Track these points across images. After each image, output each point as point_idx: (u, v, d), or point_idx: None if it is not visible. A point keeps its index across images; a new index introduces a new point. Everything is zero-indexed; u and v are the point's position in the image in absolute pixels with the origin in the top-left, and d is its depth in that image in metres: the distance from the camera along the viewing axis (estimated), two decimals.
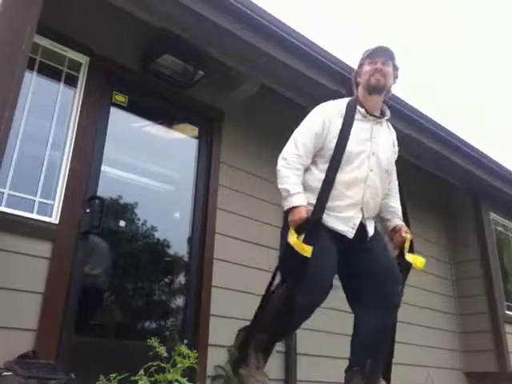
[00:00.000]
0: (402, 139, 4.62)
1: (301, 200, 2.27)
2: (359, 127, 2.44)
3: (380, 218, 2.72)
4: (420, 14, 30.42)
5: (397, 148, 2.68)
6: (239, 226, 3.81)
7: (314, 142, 2.39)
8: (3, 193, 2.80)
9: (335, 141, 2.37)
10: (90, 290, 3.14)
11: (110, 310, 3.29)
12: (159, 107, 3.81)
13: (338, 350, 3.91)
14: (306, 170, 2.41)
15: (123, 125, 3.59)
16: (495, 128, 30.15)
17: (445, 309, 5.51)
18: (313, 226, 2.22)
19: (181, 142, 3.97)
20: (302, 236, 2.18)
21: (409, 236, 2.58)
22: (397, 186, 2.74)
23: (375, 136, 2.47)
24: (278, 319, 2.27)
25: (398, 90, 4.48)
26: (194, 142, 3.94)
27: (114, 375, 1.93)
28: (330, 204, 2.31)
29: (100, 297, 3.25)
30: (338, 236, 2.32)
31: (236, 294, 3.61)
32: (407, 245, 2.52)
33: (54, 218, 2.94)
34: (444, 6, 28.93)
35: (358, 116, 2.47)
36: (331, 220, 2.32)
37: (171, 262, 3.65)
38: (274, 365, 3.62)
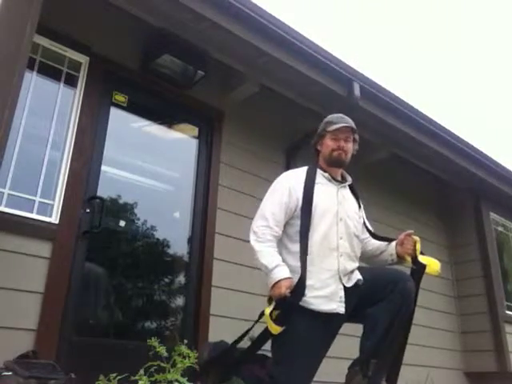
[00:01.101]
0: (403, 140, 4.69)
1: (282, 273, 2.22)
2: (324, 190, 2.46)
3: (377, 256, 2.71)
4: (420, 14, 30.42)
5: (363, 213, 2.66)
6: (239, 226, 3.80)
7: (284, 210, 2.37)
8: (3, 193, 2.80)
9: (300, 206, 2.37)
10: (90, 290, 3.14)
11: (110, 310, 3.29)
12: (159, 107, 3.81)
13: (338, 350, 3.91)
14: (283, 247, 2.37)
15: (123, 125, 3.59)
16: (495, 128, 30.15)
17: (445, 309, 5.51)
18: (288, 307, 2.19)
19: (181, 141, 3.97)
20: (276, 313, 2.18)
21: (417, 238, 2.58)
22: (371, 230, 2.73)
23: (341, 202, 2.48)
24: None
25: (398, 89, 4.49)
26: (194, 142, 3.94)
27: (114, 375, 1.93)
28: (308, 283, 2.25)
29: (100, 296, 3.25)
30: (328, 314, 2.29)
31: (236, 294, 3.61)
32: (418, 246, 2.51)
33: (54, 218, 2.94)
34: (444, 5, 28.92)
35: (321, 180, 2.50)
36: (315, 302, 2.26)
37: (171, 261, 3.65)
38: None
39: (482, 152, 5.28)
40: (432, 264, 2.50)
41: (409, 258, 2.53)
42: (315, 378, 2.36)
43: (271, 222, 2.34)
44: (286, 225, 2.40)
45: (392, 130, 4.52)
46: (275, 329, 2.19)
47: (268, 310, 2.20)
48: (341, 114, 2.61)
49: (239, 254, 3.73)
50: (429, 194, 5.99)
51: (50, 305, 2.76)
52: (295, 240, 2.35)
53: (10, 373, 2.13)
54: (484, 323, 5.37)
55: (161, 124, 3.86)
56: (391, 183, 5.37)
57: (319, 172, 2.52)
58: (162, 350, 2.00)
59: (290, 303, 2.18)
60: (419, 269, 2.48)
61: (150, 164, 3.68)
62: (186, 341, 2.11)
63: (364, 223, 2.66)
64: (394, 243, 2.61)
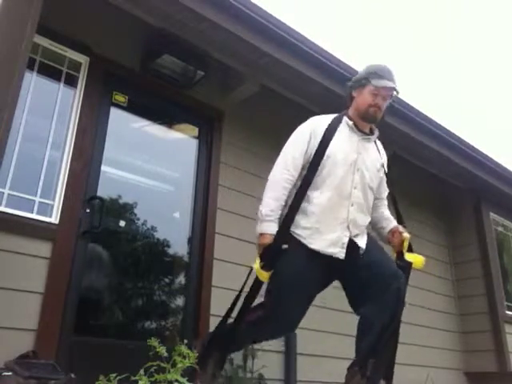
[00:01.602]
0: (403, 140, 4.68)
1: (268, 228, 2.28)
2: (344, 138, 2.41)
3: (375, 229, 2.70)
4: (420, 14, 30.43)
5: (384, 172, 2.62)
6: (239, 226, 3.80)
7: (303, 155, 2.37)
8: (3, 193, 2.80)
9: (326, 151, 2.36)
10: (90, 290, 3.14)
11: (110, 310, 3.29)
12: (159, 107, 3.81)
13: (338, 350, 3.91)
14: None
15: (123, 125, 3.59)
16: (495, 128, 30.16)
17: (445, 309, 5.51)
18: (271, 253, 2.26)
19: (181, 141, 3.97)
20: (261, 262, 2.27)
21: (407, 235, 2.55)
22: (386, 198, 2.70)
23: (361, 152, 2.43)
24: (250, 334, 2.38)
25: (397, 88, 4.47)
26: (194, 142, 3.94)
27: (114, 375, 1.93)
28: (314, 225, 2.30)
29: (100, 297, 3.25)
30: (327, 257, 2.30)
31: (236, 294, 3.61)
32: (406, 244, 2.51)
33: (54, 218, 2.94)
34: (444, 5, 28.94)
35: (344, 128, 2.45)
36: (317, 243, 2.29)
37: (171, 262, 3.65)
38: (274, 365, 3.62)
39: (482, 152, 5.29)
40: (417, 262, 2.52)
41: (393, 254, 2.54)
42: (315, 378, 2.36)
43: (292, 166, 2.34)
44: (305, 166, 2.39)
45: (392, 130, 4.52)
46: (264, 276, 2.26)
47: (257, 265, 2.27)
48: (387, 67, 2.48)
49: (239, 253, 3.73)
50: (429, 194, 5.99)
51: (50, 305, 2.76)
52: (314, 187, 2.34)
53: (10, 373, 2.13)
54: (484, 323, 5.37)
55: (161, 124, 3.86)
56: (391, 183, 5.35)
57: (345, 120, 2.46)
58: (162, 350, 1.99)
59: (274, 249, 2.25)
60: (405, 266, 2.49)
61: (150, 164, 3.68)
62: (185, 341, 2.11)
63: (381, 184, 2.62)
64: (390, 227, 2.62)
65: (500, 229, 6.23)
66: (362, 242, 2.40)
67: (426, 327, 5.14)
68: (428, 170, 5.38)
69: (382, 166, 2.58)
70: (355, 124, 2.47)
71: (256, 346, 3.38)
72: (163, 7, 3.15)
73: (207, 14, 3.18)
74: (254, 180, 4.01)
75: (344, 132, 2.43)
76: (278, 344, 3.69)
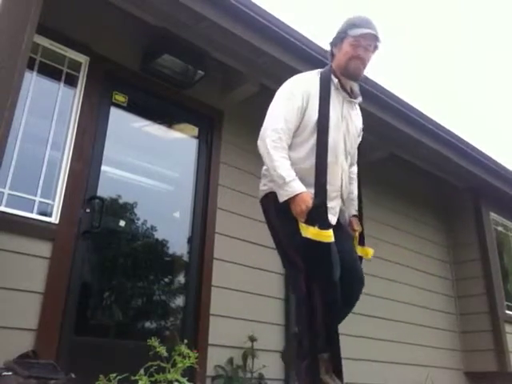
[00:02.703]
0: (403, 140, 4.69)
1: (300, 186, 2.07)
2: (333, 100, 2.28)
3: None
4: (420, 14, 30.43)
5: (361, 134, 2.49)
6: (239, 225, 3.81)
7: (296, 117, 2.21)
8: (3, 193, 2.80)
9: (317, 112, 2.20)
10: (90, 290, 3.14)
11: (110, 310, 3.29)
12: (159, 107, 3.81)
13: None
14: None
15: (123, 125, 3.59)
16: (495, 128, 30.16)
17: (445, 309, 5.51)
18: (322, 209, 2.08)
19: (181, 141, 3.97)
20: (316, 224, 2.02)
21: (359, 229, 2.44)
22: (356, 171, 2.57)
23: (346, 116, 2.32)
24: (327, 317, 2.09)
25: (398, 89, 4.49)
26: (194, 142, 3.94)
27: (114, 375, 1.93)
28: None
29: (100, 296, 3.25)
30: None
31: (236, 294, 3.62)
32: (356, 242, 2.42)
33: (54, 218, 2.94)
34: (443, 4, 28.93)
35: (332, 87, 2.30)
36: None
37: (171, 261, 3.65)
38: (274, 365, 3.62)
39: (482, 152, 5.29)
40: (366, 255, 2.41)
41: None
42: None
43: (286, 126, 2.17)
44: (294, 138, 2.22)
45: (392, 130, 4.52)
46: (329, 235, 2.03)
47: (309, 229, 2.02)
48: (366, 17, 2.36)
49: (239, 253, 3.74)
50: (429, 194, 5.99)
51: (50, 305, 2.76)
52: (303, 148, 2.20)
53: (9, 373, 2.13)
54: (484, 323, 5.37)
55: (161, 124, 3.86)
56: (391, 183, 5.37)
57: (331, 78, 2.32)
58: (162, 350, 2.00)
59: (320, 204, 2.06)
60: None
61: (150, 164, 3.68)
62: (186, 341, 2.11)
63: (356, 150, 2.49)
64: (349, 214, 2.46)
65: (500, 228, 6.23)
66: (342, 217, 2.35)
67: (426, 327, 5.14)
68: (428, 169, 5.38)
69: (361, 131, 2.49)
70: (340, 81, 2.34)
71: (256, 346, 3.39)
72: (163, 7, 3.15)
73: (207, 13, 3.18)
74: (254, 180, 4.00)
75: (332, 92, 2.30)
76: (278, 344, 3.69)
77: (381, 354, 4.49)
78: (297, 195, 2.05)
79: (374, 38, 2.32)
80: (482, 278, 5.53)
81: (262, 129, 2.24)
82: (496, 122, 30.28)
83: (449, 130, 4.90)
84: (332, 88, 2.30)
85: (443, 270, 5.73)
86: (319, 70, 2.41)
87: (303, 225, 2.05)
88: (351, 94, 2.41)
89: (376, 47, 2.38)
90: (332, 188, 2.21)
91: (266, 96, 4.16)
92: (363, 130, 2.54)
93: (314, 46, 3.74)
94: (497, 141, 25.59)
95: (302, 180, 2.12)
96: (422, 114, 4.63)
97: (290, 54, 3.63)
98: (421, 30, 34.56)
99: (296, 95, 2.26)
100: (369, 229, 4.87)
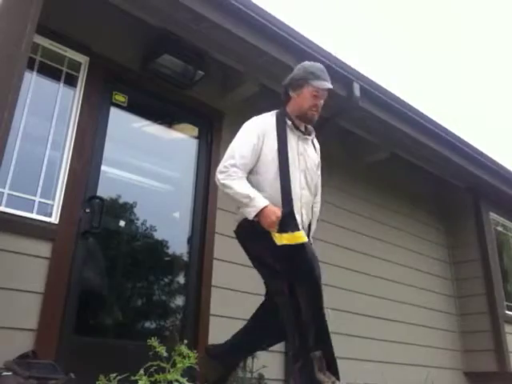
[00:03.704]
0: (403, 140, 4.69)
1: (265, 200, 2.22)
2: (289, 139, 2.42)
3: None
4: (420, 14, 30.43)
5: (319, 167, 2.64)
6: None
7: (252, 153, 2.34)
8: (3, 193, 2.80)
9: (275, 151, 2.35)
10: (90, 290, 3.14)
11: (110, 310, 3.29)
12: (159, 107, 3.81)
13: (337, 350, 3.91)
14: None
15: (123, 125, 3.59)
16: (495, 128, 30.16)
17: (445, 309, 5.51)
18: (291, 216, 2.24)
19: (181, 141, 3.97)
20: (288, 230, 2.18)
21: None
22: (319, 200, 2.71)
23: (302, 153, 2.45)
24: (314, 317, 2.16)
25: (398, 89, 4.49)
26: (194, 142, 3.94)
27: (114, 375, 1.93)
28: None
29: (100, 297, 3.25)
30: None
31: (236, 294, 3.61)
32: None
33: (54, 218, 2.94)
34: (444, 5, 28.93)
35: (286, 128, 2.45)
36: None
37: (171, 261, 3.65)
38: (274, 365, 3.62)
39: (481, 152, 5.29)
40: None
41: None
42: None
43: (240, 162, 2.29)
44: (253, 173, 2.35)
45: (392, 130, 4.52)
46: (301, 236, 2.19)
47: (282, 236, 2.18)
48: (322, 66, 2.54)
49: (239, 253, 3.73)
50: (429, 194, 5.99)
51: (49, 305, 2.76)
52: (263, 178, 2.33)
53: (9, 373, 2.14)
54: (484, 323, 5.37)
55: (161, 124, 3.86)
56: (391, 183, 5.37)
57: (286, 120, 2.46)
58: (162, 350, 2.00)
59: (288, 211, 2.23)
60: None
61: (150, 164, 3.68)
62: (186, 341, 2.11)
63: (317, 183, 2.64)
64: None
65: (500, 228, 6.23)
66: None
67: (426, 327, 5.15)
68: (428, 169, 5.38)
69: (319, 164, 2.62)
70: (293, 123, 2.48)
71: None
72: (163, 7, 3.15)
73: (207, 14, 3.18)
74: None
75: (288, 133, 2.44)
76: (278, 344, 3.69)
77: (381, 354, 4.49)
78: (265, 208, 2.20)
79: (328, 87, 2.49)
80: (482, 278, 5.53)
81: (220, 164, 2.37)
82: (496, 122, 30.29)
83: (449, 131, 4.90)
84: (287, 129, 2.44)
85: (443, 270, 5.73)
86: (274, 111, 2.53)
87: (276, 234, 2.19)
88: (305, 132, 2.53)
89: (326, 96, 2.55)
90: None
91: (266, 96, 4.19)
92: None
93: (314, 46, 3.74)
94: (497, 141, 25.59)
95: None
96: (423, 114, 4.64)
97: (290, 54, 3.63)
98: (421, 30, 34.56)
99: (253, 134, 2.40)
100: (368, 228, 4.92)
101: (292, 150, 2.40)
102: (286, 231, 2.18)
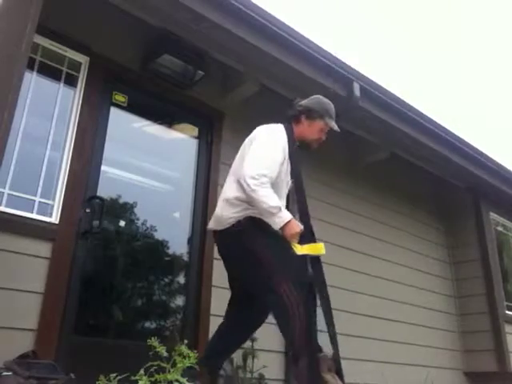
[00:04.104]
0: (403, 140, 4.69)
1: (288, 213, 2.34)
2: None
3: None
4: (420, 14, 30.42)
5: None
6: None
7: (278, 170, 2.43)
8: (3, 193, 2.80)
9: (288, 174, 2.52)
10: (90, 290, 3.14)
11: (110, 310, 3.29)
12: (159, 107, 3.81)
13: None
14: None
15: (123, 125, 3.59)
16: (495, 128, 30.16)
17: (445, 309, 5.51)
18: (309, 233, 2.43)
19: (181, 141, 3.97)
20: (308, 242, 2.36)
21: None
22: None
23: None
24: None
25: (398, 89, 4.49)
26: (194, 142, 3.94)
27: (114, 375, 1.93)
28: None
29: (100, 297, 3.25)
30: None
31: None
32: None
33: (54, 218, 2.94)
34: (444, 5, 28.92)
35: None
36: None
37: (171, 261, 3.65)
38: (274, 365, 3.62)
39: (481, 152, 5.29)
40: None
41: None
42: None
43: (269, 175, 2.37)
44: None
45: (392, 130, 4.52)
46: (321, 247, 2.39)
47: (303, 247, 2.34)
48: (333, 108, 2.72)
49: None
50: (429, 194, 5.99)
51: (49, 305, 2.76)
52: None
53: (9, 373, 2.13)
54: (484, 323, 5.37)
55: (161, 124, 3.86)
56: (391, 183, 5.37)
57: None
58: (162, 350, 1.99)
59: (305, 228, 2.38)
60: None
61: (150, 164, 3.68)
62: (186, 341, 2.11)
63: None
64: None
65: (500, 228, 6.23)
66: None
67: (426, 327, 5.15)
68: (428, 169, 5.38)
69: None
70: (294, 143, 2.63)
71: (256, 346, 3.38)
72: (163, 7, 3.15)
73: (207, 14, 3.18)
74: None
75: None
76: (278, 344, 3.69)
77: (381, 354, 4.49)
78: (290, 220, 2.30)
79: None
80: (481, 277, 5.52)
81: (247, 167, 2.38)
82: (496, 122, 30.28)
83: (449, 130, 4.90)
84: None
85: (443, 270, 5.73)
86: (283, 126, 2.64)
87: (297, 245, 2.35)
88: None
89: None
90: None
91: (266, 96, 4.20)
92: None
93: (314, 46, 3.74)
94: (497, 141, 25.58)
95: None
96: (422, 114, 4.64)
97: (290, 53, 3.63)
98: (421, 29, 34.56)
99: (280, 152, 2.49)
100: (368, 228, 4.92)
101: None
102: (304, 243, 2.35)
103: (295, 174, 2.53)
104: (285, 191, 2.56)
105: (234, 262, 2.54)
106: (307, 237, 2.39)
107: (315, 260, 2.42)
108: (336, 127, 2.66)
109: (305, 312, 2.19)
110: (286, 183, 2.55)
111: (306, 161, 2.99)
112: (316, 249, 2.38)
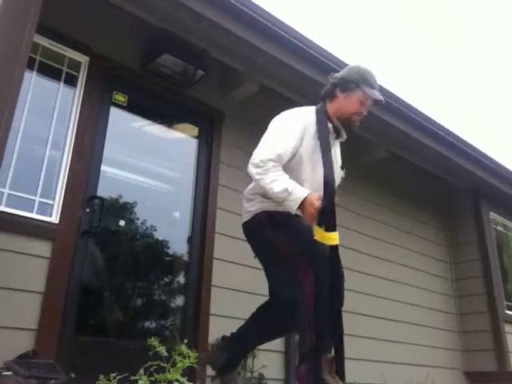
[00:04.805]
0: (402, 139, 4.69)
1: (303, 190, 2.14)
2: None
3: None
4: (420, 14, 30.42)
5: (343, 171, 2.56)
6: (239, 225, 3.80)
7: (290, 152, 2.25)
8: (3, 192, 2.80)
9: (311, 153, 2.27)
10: (90, 290, 3.14)
11: (110, 310, 3.29)
12: (159, 107, 3.81)
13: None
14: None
15: (123, 125, 3.59)
16: (495, 128, 30.16)
17: (445, 308, 5.51)
18: (329, 211, 2.16)
19: (181, 141, 3.97)
20: (322, 226, 2.11)
21: None
22: None
23: (333, 158, 2.36)
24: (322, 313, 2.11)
25: (398, 89, 4.49)
26: (194, 142, 3.94)
27: (114, 375, 1.93)
28: None
29: (100, 296, 3.25)
30: None
31: (236, 294, 3.61)
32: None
33: (54, 218, 2.94)
34: (444, 5, 28.92)
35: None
36: None
37: (171, 261, 3.65)
38: (274, 364, 3.62)
39: (482, 152, 5.29)
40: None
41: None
42: None
43: (277, 158, 2.20)
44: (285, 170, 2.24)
45: (392, 130, 4.52)
46: (334, 236, 2.14)
47: (320, 231, 2.11)
48: (375, 75, 2.44)
49: (239, 253, 3.73)
50: (429, 194, 5.99)
51: (49, 304, 2.76)
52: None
53: (9, 373, 2.13)
54: (484, 323, 5.37)
55: (161, 124, 3.86)
56: (391, 183, 5.37)
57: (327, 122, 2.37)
58: (162, 350, 1.99)
59: (327, 205, 2.13)
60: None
61: (150, 164, 3.68)
62: (186, 341, 2.11)
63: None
64: None
65: (500, 228, 6.23)
66: None
67: (426, 327, 5.15)
68: (427, 169, 5.38)
69: (342, 168, 2.56)
70: (333, 126, 2.40)
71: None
72: (163, 7, 3.15)
73: (207, 13, 3.18)
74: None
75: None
76: (278, 344, 3.69)
77: (381, 354, 4.49)
78: (304, 200, 2.11)
79: (376, 101, 2.42)
80: (481, 277, 5.53)
81: (255, 155, 2.25)
82: (496, 122, 30.28)
83: (449, 130, 4.90)
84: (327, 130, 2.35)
85: (443, 270, 5.73)
86: (313, 108, 2.43)
87: (316, 227, 2.13)
88: (339, 134, 2.46)
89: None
90: None
91: (265, 96, 4.20)
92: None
93: (314, 46, 3.74)
94: (497, 141, 25.58)
95: None
96: (422, 113, 4.64)
97: (290, 53, 3.63)
98: (421, 29, 34.55)
99: (293, 133, 2.28)
100: (368, 228, 4.92)
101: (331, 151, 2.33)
102: (320, 225, 2.12)
103: (326, 170, 2.25)
104: (316, 169, 2.29)
105: (256, 253, 2.43)
106: (328, 217, 2.15)
107: (333, 249, 2.18)
108: (379, 96, 2.39)
109: (318, 308, 2.07)
110: (313, 162, 2.29)
111: None
112: (325, 238, 2.12)
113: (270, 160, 2.19)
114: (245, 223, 2.44)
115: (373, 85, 2.39)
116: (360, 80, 2.36)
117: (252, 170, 2.23)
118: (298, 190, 2.14)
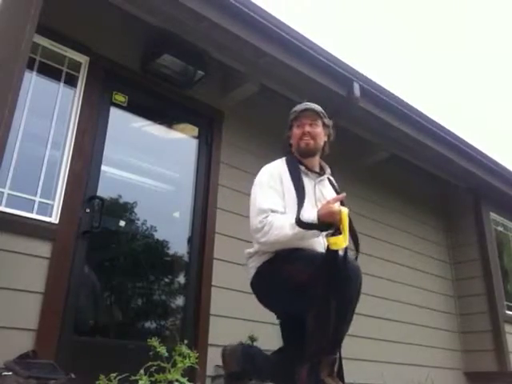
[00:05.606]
0: (403, 140, 4.69)
1: (310, 210, 2.13)
2: (307, 187, 2.32)
3: None
4: (421, 14, 30.42)
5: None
6: (239, 225, 3.80)
7: (279, 197, 2.24)
8: (3, 193, 2.80)
9: (293, 193, 2.25)
10: (90, 290, 3.14)
11: (110, 310, 3.29)
12: (159, 107, 3.81)
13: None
14: None
15: (123, 125, 3.59)
16: (495, 128, 30.16)
17: (445, 309, 5.51)
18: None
19: (181, 141, 3.97)
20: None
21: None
22: None
23: (319, 198, 2.33)
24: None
25: (398, 89, 4.49)
26: (194, 142, 3.94)
27: (114, 375, 1.93)
28: None
29: (100, 296, 3.25)
30: None
31: (236, 294, 3.61)
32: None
33: (54, 218, 2.94)
34: (445, 5, 28.93)
35: (301, 174, 2.36)
36: None
37: (171, 261, 3.65)
38: None
39: (482, 152, 5.29)
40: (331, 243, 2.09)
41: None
42: None
43: (272, 208, 2.18)
44: None
45: (392, 130, 4.52)
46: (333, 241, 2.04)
47: (342, 239, 2.02)
48: (305, 101, 2.49)
49: (239, 253, 3.72)
50: (429, 194, 5.99)
51: (49, 305, 2.76)
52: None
53: (9, 373, 2.13)
54: (484, 323, 5.37)
55: (161, 124, 3.86)
56: (391, 183, 5.37)
57: (298, 165, 2.38)
58: (162, 350, 1.99)
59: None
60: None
61: (150, 164, 3.68)
62: (186, 341, 2.11)
63: None
64: None
65: (500, 228, 6.23)
66: None
67: (426, 327, 5.14)
68: (428, 169, 5.38)
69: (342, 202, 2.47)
70: (306, 167, 2.40)
71: None
72: (163, 7, 3.15)
73: (207, 13, 3.18)
74: (254, 180, 4.01)
75: (304, 180, 2.35)
76: (277, 344, 3.69)
77: (381, 354, 4.49)
78: (320, 216, 2.07)
79: (315, 113, 2.40)
80: (481, 277, 5.52)
81: (251, 224, 2.26)
82: (496, 122, 30.28)
83: (449, 131, 4.90)
84: (302, 175, 2.35)
85: (443, 270, 5.72)
86: (284, 158, 2.45)
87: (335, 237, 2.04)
88: (320, 172, 2.45)
89: (325, 124, 2.43)
90: None
91: (266, 96, 4.20)
92: None
93: (314, 46, 3.75)
94: (497, 141, 25.58)
95: None
96: (422, 114, 4.64)
97: (290, 54, 3.63)
98: (423, 29, 34.56)
99: (272, 181, 2.30)
100: (369, 229, 4.91)
101: (309, 198, 2.28)
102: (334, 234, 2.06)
103: (297, 194, 2.24)
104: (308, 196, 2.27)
105: (271, 303, 2.40)
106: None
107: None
108: (300, 107, 2.42)
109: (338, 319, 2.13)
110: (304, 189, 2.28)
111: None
112: (330, 243, 2.04)
113: (266, 216, 2.17)
114: (253, 278, 2.41)
115: (297, 107, 2.45)
116: (290, 117, 2.46)
117: (257, 236, 2.21)
118: (307, 213, 2.11)
